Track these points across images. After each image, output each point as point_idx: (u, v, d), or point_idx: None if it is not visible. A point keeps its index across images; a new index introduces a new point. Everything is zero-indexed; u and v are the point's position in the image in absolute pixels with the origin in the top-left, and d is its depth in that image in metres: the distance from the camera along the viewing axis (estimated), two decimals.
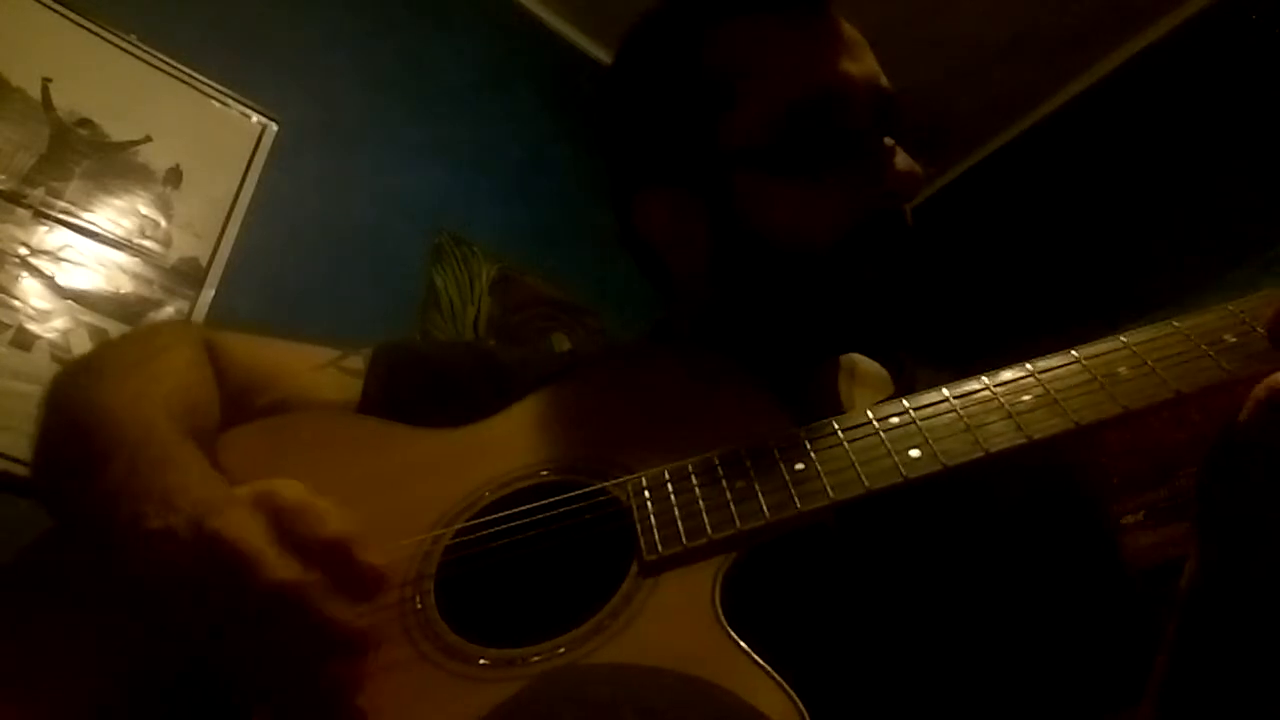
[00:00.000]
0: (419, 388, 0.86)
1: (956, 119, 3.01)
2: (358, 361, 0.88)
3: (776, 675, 0.51)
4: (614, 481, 0.67)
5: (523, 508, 0.67)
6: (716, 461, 0.65)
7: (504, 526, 0.66)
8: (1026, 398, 0.60)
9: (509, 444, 0.74)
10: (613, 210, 0.91)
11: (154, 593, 0.57)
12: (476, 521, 0.68)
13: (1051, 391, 0.60)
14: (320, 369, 0.87)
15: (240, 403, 0.81)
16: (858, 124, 0.78)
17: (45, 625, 0.67)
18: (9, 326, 1.62)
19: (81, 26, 1.90)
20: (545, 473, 0.70)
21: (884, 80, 0.82)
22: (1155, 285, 2.37)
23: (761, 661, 0.52)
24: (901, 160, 0.78)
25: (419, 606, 0.63)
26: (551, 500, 0.67)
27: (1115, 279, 2.54)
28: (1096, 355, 0.61)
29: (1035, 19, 2.79)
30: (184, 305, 1.85)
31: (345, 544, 0.56)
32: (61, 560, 0.70)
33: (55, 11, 1.87)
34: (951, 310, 2.81)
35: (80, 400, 0.72)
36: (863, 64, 0.81)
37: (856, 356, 0.89)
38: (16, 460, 1.45)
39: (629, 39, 0.91)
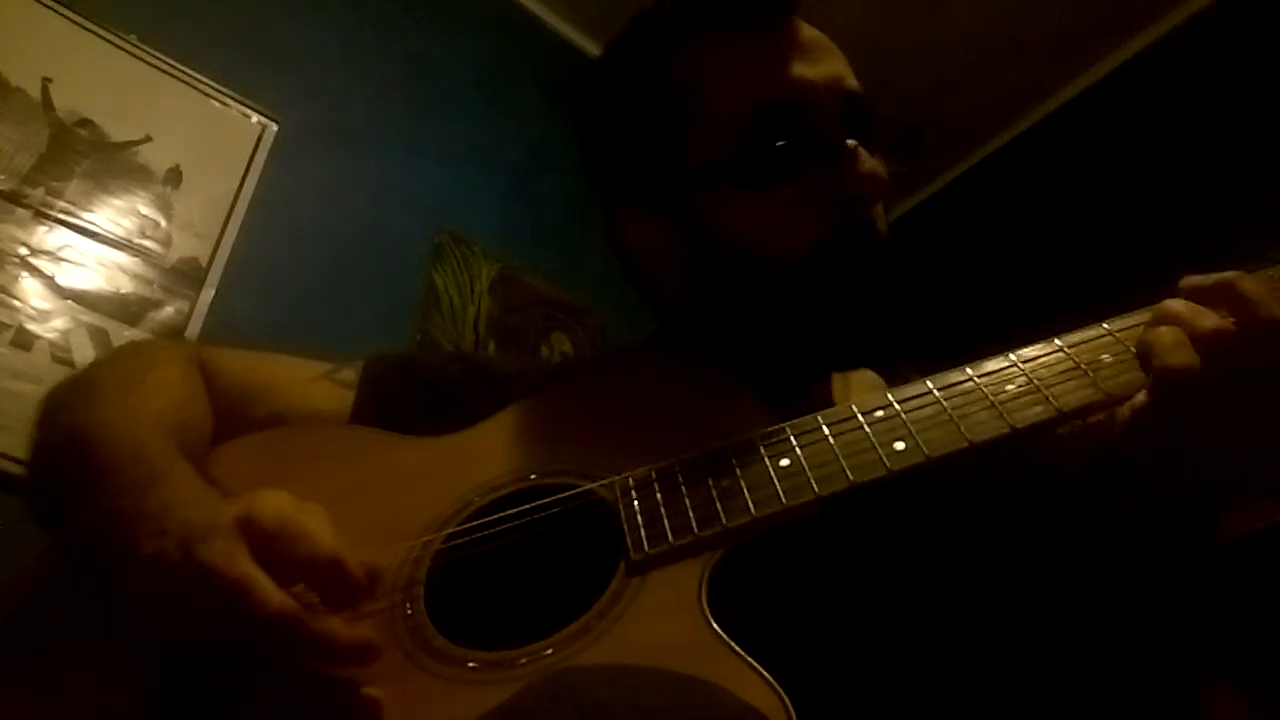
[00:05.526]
0: (410, 397, 0.87)
1: (956, 119, 3.01)
2: (350, 373, 0.90)
3: (763, 671, 0.51)
4: (601, 483, 0.67)
5: (511, 511, 0.67)
6: (703, 460, 0.65)
7: (493, 530, 0.67)
8: (1010, 387, 0.60)
9: (497, 449, 0.74)
10: (604, 225, 0.92)
11: (150, 615, 0.57)
12: (466, 526, 0.68)
13: (1034, 380, 0.60)
14: (314, 381, 0.89)
15: (235, 417, 0.82)
16: (817, 129, 0.77)
17: (51, 655, 0.67)
18: (9, 326, 1.63)
19: (81, 26, 1.91)
20: (534, 476, 0.71)
21: (850, 81, 0.82)
22: (1157, 286, 2.36)
23: (747, 657, 0.52)
24: (865, 162, 0.76)
25: (409, 612, 0.64)
26: (540, 503, 0.67)
27: (1116, 280, 2.54)
28: (1080, 343, 0.61)
29: (1035, 19, 2.79)
30: (184, 305, 1.85)
31: (336, 559, 0.57)
32: (62, 586, 0.70)
33: (55, 11, 1.88)
34: (950, 311, 2.80)
35: (72, 420, 0.72)
36: (823, 67, 0.80)
37: None
38: (16, 460, 1.46)
39: (598, 65, 0.92)
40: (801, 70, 0.79)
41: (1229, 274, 0.58)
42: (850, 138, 0.77)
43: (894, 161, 0.80)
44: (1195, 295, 0.58)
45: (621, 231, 0.88)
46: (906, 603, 0.69)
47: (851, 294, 0.77)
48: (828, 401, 0.84)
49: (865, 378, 0.88)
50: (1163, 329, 0.57)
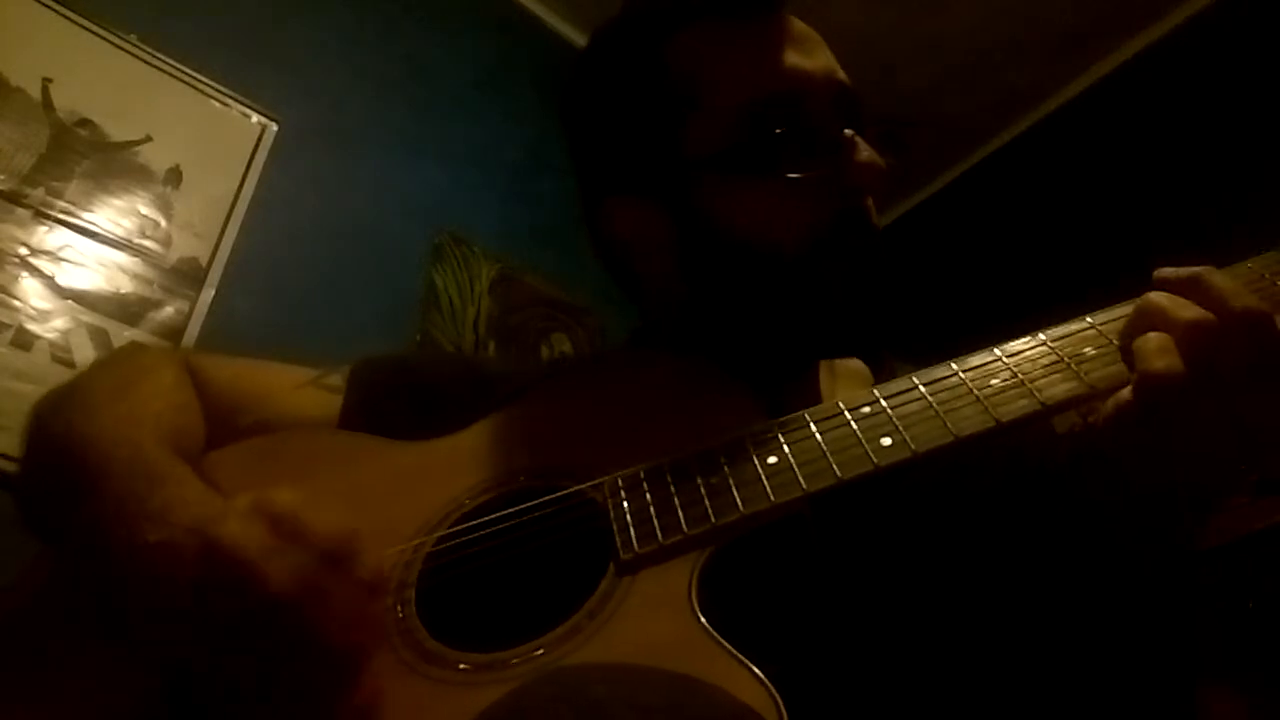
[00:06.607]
0: (399, 400, 0.87)
1: (956, 119, 3.01)
2: (337, 378, 0.90)
3: (754, 668, 0.51)
4: (590, 483, 0.67)
5: (501, 513, 0.68)
6: (691, 459, 0.65)
7: (483, 532, 0.67)
8: (994, 381, 0.60)
9: (486, 452, 0.75)
10: (584, 219, 0.91)
11: (150, 606, 0.58)
12: (456, 529, 0.69)
13: (1019, 374, 0.60)
14: (301, 388, 0.89)
15: (224, 424, 0.82)
16: (814, 119, 0.78)
17: (51, 654, 0.67)
18: (9, 326, 1.63)
19: (81, 26, 1.91)
20: (523, 478, 0.71)
21: (841, 74, 0.82)
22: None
23: (738, 655, 0.52)
24: (863, 151, 0.77)
25: (400, 615, 0.64)
26: (529, 504, 0.67)
27: (1116, 279, 2.53)
28: (1063, 336, 0.61)
29: (1035, 19, 2.79)
30: (184, 305, 1.86)
31: (346, 542, 0.57)
32: (62, 587, 0.71)
33: (55, 11, 1.89)
34: (950, 311, 2.80)
35: (66, 426, 0.72)
36: (817, 59, 0.81)
37: None
38: (16, 460, 1.46)
39: (588, 51, 0.92)
40: (797, 61, 0.80)
41: (1198, 268, 0.58)
42: (846, 129, 0.78)
43: (885, 157, 0.80)
44: (1168, 287, 0.59)
45: (609, 220, 0.87)
46: (897, 599, 0.70)
47: (844, 284, 0.77)
48: (814, 392, 0.84)
49: (852, 370, 0.89)
50: (1150, 335, 0.57)
